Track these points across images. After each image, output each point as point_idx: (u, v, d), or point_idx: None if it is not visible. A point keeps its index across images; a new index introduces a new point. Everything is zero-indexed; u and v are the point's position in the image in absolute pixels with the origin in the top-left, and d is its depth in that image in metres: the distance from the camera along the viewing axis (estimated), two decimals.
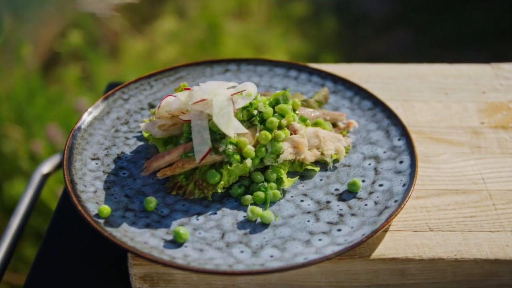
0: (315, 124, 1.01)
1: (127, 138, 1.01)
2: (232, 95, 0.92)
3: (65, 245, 0.91)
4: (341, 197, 0.91)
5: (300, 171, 0.95)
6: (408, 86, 1.22)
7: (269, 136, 0.92)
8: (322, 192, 0.92)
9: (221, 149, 0.90)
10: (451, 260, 0.84)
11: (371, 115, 1.06)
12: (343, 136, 1.02)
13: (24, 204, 1.11)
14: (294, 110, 0.98)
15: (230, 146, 0.90)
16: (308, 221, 0.87)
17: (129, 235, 0.82)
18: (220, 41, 2.88)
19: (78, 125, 1.00)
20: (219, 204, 0.90)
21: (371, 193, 0.91)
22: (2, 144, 2.26)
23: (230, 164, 0.90)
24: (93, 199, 0.88)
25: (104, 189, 0.91)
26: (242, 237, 0.84)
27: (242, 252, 0.82)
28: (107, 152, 0.98)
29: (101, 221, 0.84)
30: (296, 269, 0.78)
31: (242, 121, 0.94)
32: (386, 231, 0.88)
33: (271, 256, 0.81)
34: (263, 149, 0.92)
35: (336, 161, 0.98)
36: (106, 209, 0.85)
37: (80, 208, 0.85)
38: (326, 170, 0.97)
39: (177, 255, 0.80)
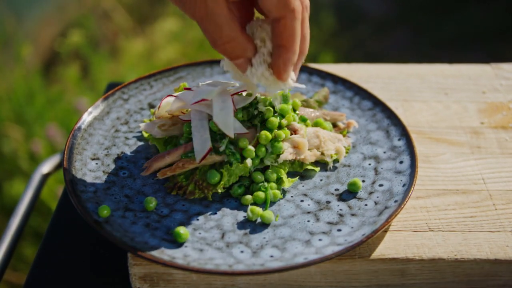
0: (315, 124, 1.01)
1: (127, 138, 1.01)
2: (232, 95, 0.92)
3: (65, 245, 0.92)
4: (341, 197, 0.91)
5: (300, 171, 0.95)
6: (408, 86, 1.22)
7: (269, 136, 0.92)
8: (322, 192, 0.92)
9: (221, 149, 0.90)
10: (451, 260, 0.84)
11: (371, 115, 1.06)
12: (343, 136, 1.02)
13: (24, 204, 1.11)
14: (294, 110, 0.98)
15: (230, 146, 0.90)
16: (308, 221, 0.87)
17: (129, 235, 0.82)
18: None
19: (78, 125, 1.00)
20: (219, 204, 0.90)
21: (371, 193, 0.91)
22: (2, 144, 2.26)
23: (230, 164, 0.90)
24: (93, 199, 0.88)
25: (104, 189, 0.91)
26: (242, 237, 0.84)
27: (242, 252, 0.82)
28: (107, 152, 0.98)
29: (101, 221, 0.84)
30: (296, 269, 0.78)
31: (242, 121, 0.94)
32: (386, 231, 0.88)
33: (271, 256, 0.81)
34: (263, 149, 0.92)
35: (336, 161, 0.98)
36: (106, 209, 0.85)
37: (80, 208, 0.85)
38: (326, 170, 0.97)
39: (177, 255, 0.80)
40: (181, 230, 0.82)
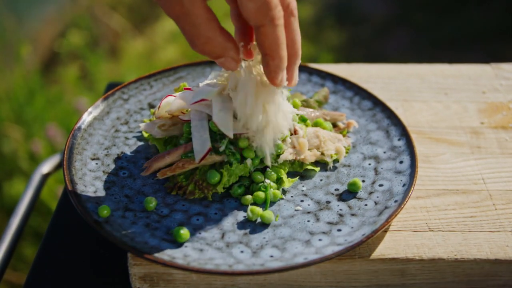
0: (315, 124, 1.01)
1: (127, 138, 1.01)
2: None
3: (65, 245, 0.91)
4: (341, 197, 0.91)
5: (300, 171, 0.95)
6: (408, 86, 1.22)
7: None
8: (322, 192, 0.92)
9: (221, 149, 0.90)
10: (451, 260, 0.84)
11: (371, 115, 1.06)
12: (343, 136, 1.02)
13: (24, 204, 1.11)
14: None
15: (230, 146, 0.90)
16: (308, 221, 0.87)
17: (129, 235, 0.82)
18: None
19: (78, 125, 1.00)
20: (219, 204, 0.90)
21: (371, 193, 0.91)
22: (2, 144, 2.26)
23: (230, 164, 0.90)
24: (93, 199, 0.88)
25: (104, 189, 0.91)
26: (242, 237, 0.84)
27: (242, 252, 0.82)
28: (107, 152, 0.98)
29: (101, 221, 0.84)
30: (296, 269, 0.78)
31: None
32: (386, 231, 0.88)
33: (271, 256, 0.81)
34: (263, 149, 0.92)
35: (336, 161, 0.98)
36: (106, 209, 0.85)
37: (80, 208, 0.85)
38: (326, 170, 0.97)
39: (177, 255, 0.80)
40: (181, 230, 0.82)
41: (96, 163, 0.95)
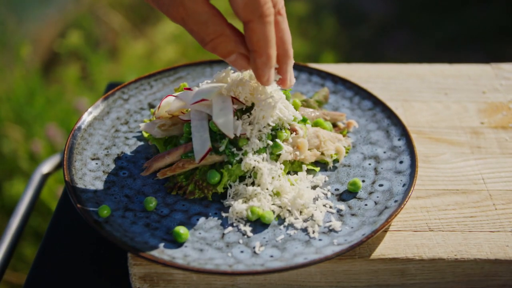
0: (315, 124, 1.01)
1: (127, 138, 1.01)
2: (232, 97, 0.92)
3: (65, 245, 0.91)
4: (341, 197, 0.91)
5: (300, 171, 0.95)
6: (408, 86, 1.22)
7: (270, 136, 0.91)
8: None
9: (221, 149, 0.90)
10: (451, 260, 0.84)
11: (371, 115, 1.06)
12: (343, 136, 1.02)
13: (24, 204, 1.11)
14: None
15: (230, 146, 0.90)
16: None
17: (129, 235, 0.82)
18: None
19: (78, 125, 1.00)
20: (219, 204, 0.90)
21: (371, 193, 0.91)
22: (2, 144, 2.26)
23: (230, 164, 0.90)
24: (93, 199, 0.88)
25: (104, 189, 0.90)
26: (242, 237, 0.84)
27: (242, 252, 0.82)
28: (107, 152, 0.98)
29: (101, 221, 0.84)
30: (296, 269, 0.78)
31: None
32: (386, 231, 0.88)
33: (271, 256, 0.81)
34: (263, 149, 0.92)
35: (336, 161, 0.98)
36: (106, 209, 0.85)
37: (80, 208, 0.85)
38: (326, 170, 0.97)
39: (177, 255, 0.80)
40: (181, 230, 0.82)
41: (96, 163, 0.95)
